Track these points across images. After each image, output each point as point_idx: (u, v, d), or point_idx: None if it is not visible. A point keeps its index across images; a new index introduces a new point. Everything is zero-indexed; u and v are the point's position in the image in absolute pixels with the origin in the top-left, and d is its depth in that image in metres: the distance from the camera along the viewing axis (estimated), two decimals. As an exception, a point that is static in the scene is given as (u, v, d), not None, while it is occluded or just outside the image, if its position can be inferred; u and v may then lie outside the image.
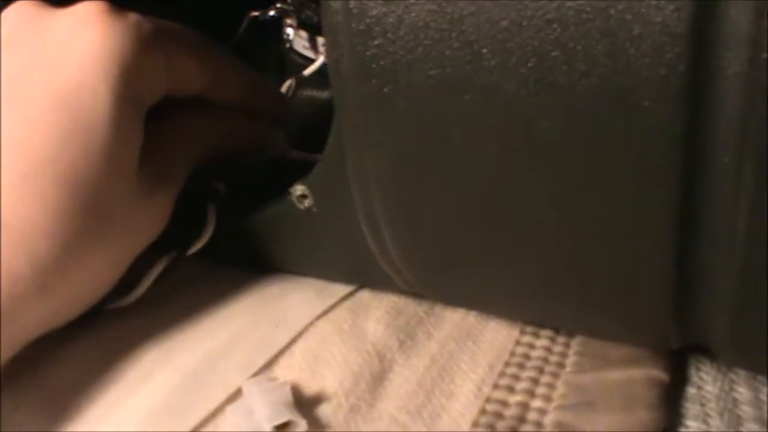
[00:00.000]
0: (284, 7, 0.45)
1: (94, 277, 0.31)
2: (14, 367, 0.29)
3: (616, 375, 0.33)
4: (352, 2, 0.24)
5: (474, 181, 0.26)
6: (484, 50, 0.23)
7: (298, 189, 0.33)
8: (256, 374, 0.32)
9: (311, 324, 0.35)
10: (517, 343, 0.35)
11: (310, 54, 0.47)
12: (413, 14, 0.24)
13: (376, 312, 0.36)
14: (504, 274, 0.30)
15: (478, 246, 0.29)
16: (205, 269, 0.37)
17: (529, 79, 0.23)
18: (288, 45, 0.46)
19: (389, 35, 0.24)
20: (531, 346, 0.35)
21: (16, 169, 0.28)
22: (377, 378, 0.32)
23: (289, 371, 0.33)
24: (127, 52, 0.30)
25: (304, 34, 0.46)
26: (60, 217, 0.28)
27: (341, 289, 0.38)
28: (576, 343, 0.35)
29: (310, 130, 0.45)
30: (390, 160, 0.26)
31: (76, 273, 0.30)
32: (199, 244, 0.36)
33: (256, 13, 0.46)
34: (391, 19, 0.24)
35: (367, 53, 0.24)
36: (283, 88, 0.45)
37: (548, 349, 0.35)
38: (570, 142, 0.23)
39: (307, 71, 0.44)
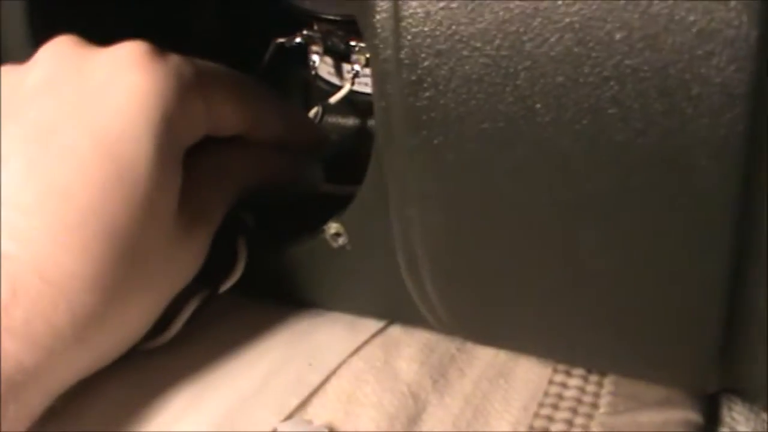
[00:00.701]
0: (311, 33, 0.44)
1: (132, 323, 0.31)
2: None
3: (651, 417, 0.33)
4: (404, 52, 0.24)
5: (522, 231, 0.25)
6: (538, 105, 0.23)
7: (332, 227, 0.33)
8: (290, 416, 0.32)
9: (344, 362, 0.34)
10: (550, 382, 0.35)
11: (335, 80, 0.46)
12: (466, 67, 0.23)
13: (408, 349, 0.35)
14: (543, 319, 0.30)
15: (519, 292, 0.29)
16: (233, 303, 0.36)
17: (584, 136, 0.23)
18: (313, 72, 0.45)
19: (441, 87, 0.24)
20: (564, 385, 0.35)
21: (60, 219, 0.27)
22: (412, 419, 0.32)
23: (323, 411, 0.32)
24: (169, 97, 0.29)
25: (329, 60, 0.45)
26: (101, 269, 0.28)
27: (372, 325, 0.37)
28: (609, 382, 0.35)
29: (336, 157, 0.45)
30: (437, 209, 0.26)
31: (114, 322, 0.29)
32: (231, 281, 0.35)
33: (282, 40, 0.45)
34: (443, 71, 0.23)
35: (418, 104, 0.24)
36: (310, 115, 0.44)
37: (581, 389, 0.35)
38: (623, 197, 0.23)
39: (334, 99, 0.44)
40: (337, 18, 0.42)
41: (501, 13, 0.22)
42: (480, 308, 0.30)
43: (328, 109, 0.45)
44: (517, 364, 0.35)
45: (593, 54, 0.22)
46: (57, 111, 0.29)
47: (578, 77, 0.22)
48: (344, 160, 0.45)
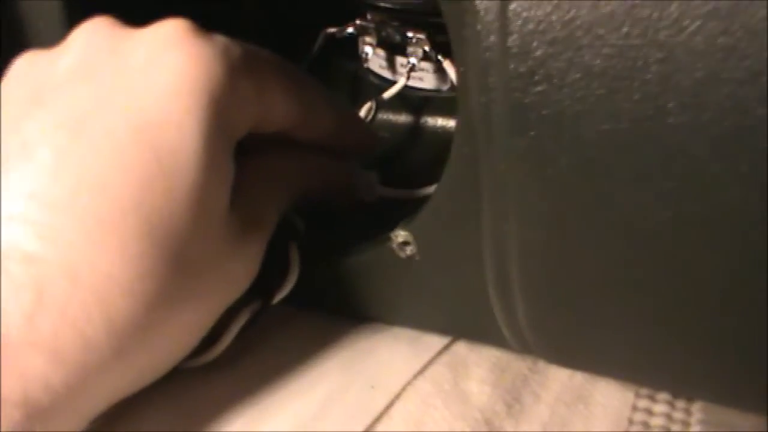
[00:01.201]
0: (364, 24, 0.41)
1: (176, 337, 0.27)
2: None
3: (748, 449, 0.29)
4: (512, 39, 0.20)
5: (636, 249, 0.22)
6: (671, 105, 0.20)
7: (401, 236, 0.30)
8: (355, 446, 0.28)
9: (409, 383, 0.31)
10: (634, 408, 0.32)
11: (387, 75, 0.43)
12: (586, 58, 0.20)
13: (478, 370, 0.32)
14: (640, 341, 0.27)
15: (620, 313, 0.26)
16: (285, 316, 0.34)
17: (724, 141, 0.20)
18: (365, 65, 0.42)
19: (555, 81, 0.20)
20: (649, 412, 0.32)
21: (93, 214, 0.24)
22: (488, 451, 0.28)
23: (390, 441, 0.28)
24: (216, 79, 0.26)
25: (381, 52, 0.42)
26: (141, 271, 0.25)
27: (436, 342, 0.34)
28: (697, 409, 0.32)
29: (387, 157, 0.42)
30: (540, 223, 0.22)
31: (158, 335, 0.26)
32: (284, 291, 0.32)
33: (332, 30, 0.42)
34: (559, 63, 0.20)
35: (527, 100, 0.21)
36: (362, 112, 0.41)
37: (668, 416, 0.32)
38: (762, 213, 0.20)
39: (388, 94, 0.41)
40: (396, 6, 0.38)
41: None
42: (573, 331, 0.27)
43: (380, 106, 0.42)
44: (595, 386, 0.32)
45: (741, 45, 0.19)
46: (91, 96, 0.26)
47: (721, 72, 0.19)
48: (396, 160, 0.42)
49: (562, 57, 0.20)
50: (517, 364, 0.33)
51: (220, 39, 0.28)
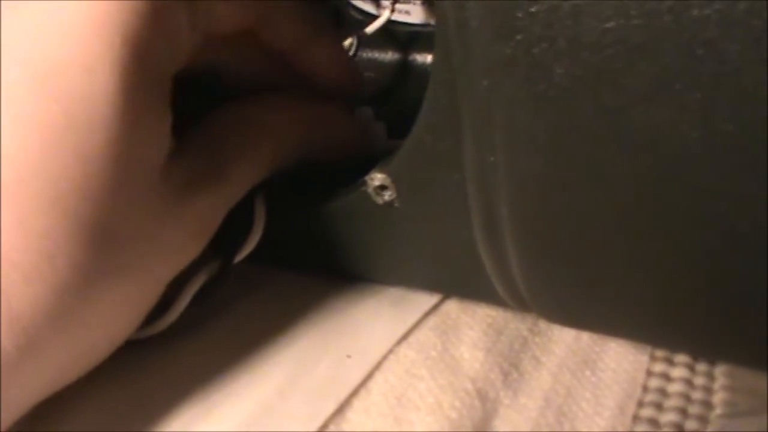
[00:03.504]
0: (344, -45, 0.37)
1: (111, 318, 0.24)
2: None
3: (782, 420, 0.25)
4: None
5: (654, 178, 0.18)
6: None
7: (377, 178, 0.26)
8: (325, 425, 0.25)
9: (390, 351, 0.28)
10: (649, 373, 0.28)
11: (371, 9, 0.40)
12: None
13: (471, 333, 0.28)
14: (649, 295, 0.24)
15: (630, 262, 0.22)
16: (252, 275, 0.30)
17: (763, 38, 0.15)
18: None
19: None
20: (666, 377, 0.28)
21: None
22: (480, 427, 0.25)
23: (366, 418, 0.25)
24: (131, 9, 0.22)
25: (363, -16, 0.37)
26: (49, 251, 0.21)
27: (423, 301, 0.30)
28: (721, 373, 0.28)
29: (373, 99, 0.38)
30: (532, 151, 0.18)
31: (82, 320, 0.22)
32: (247, 249, 0.28)
33: (310, -37, 0.37)
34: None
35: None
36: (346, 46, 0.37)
37: (689, 382, 0.28)
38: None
39: (370, 28, 0.37)
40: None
41: None
42: (573, 282, 0.24)
43: (363, 42, 0.38)
44: (605, 349, 0.29)
45: None
46: None
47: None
48: (383, 103, 0.38)
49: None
50: (515, 325, 0.30)
51: None
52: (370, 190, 0.27)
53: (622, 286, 0.24)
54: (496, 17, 0.17)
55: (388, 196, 0.27)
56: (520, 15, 0.17)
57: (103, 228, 0.22)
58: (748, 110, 0.16)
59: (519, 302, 0.27)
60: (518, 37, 0.17)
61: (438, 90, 0.22)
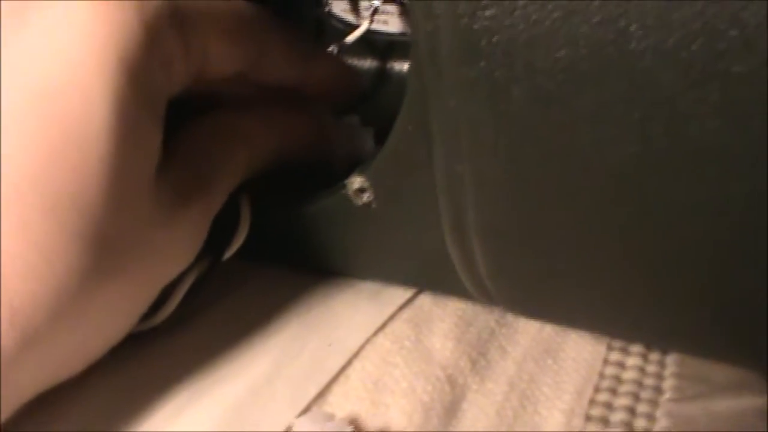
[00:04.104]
0: (324, -36, 0.38)
1: (107, 319, 0.25)
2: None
3: (726, 404, 0.28)
4: None
5: (599, 188, 0.20)
6: (633, 27, 0.18)
7: (356, 182, 0.28)
8: (307, 408, 0.27)
9: (368, 341, 0.30)
10: (606, 362, 0.30)
11: (350, 19, 0.40)
12: (540, -23, 0.17)
13: (442, 324, 0.30)
14: (606, 289, 0.26)
15: (584, 259, 0.24)
16: (238, 271, 0.32)
17: (692, 68, 0.17)
18: (327, 9, 0.40)
19: (506, 3, 0.18)
20: (621, 365, 0.30)
21: None
22: (449, 409, 0.27)
23: (345, 401, 0.28)
24: (129, 36, 0.23)
25: (344, -5, 0.39)
26: (50, 254, 0.22)
27: (398, 295, 0.32)
28: (672, 362, 0.30)
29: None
30: (495, 162, 0.20)
31: (79, 320, 0.24)
32: (234, 247, 0.30)
33: (292, -27, 0.39)
34: (510, -16, 0.18)
35: (475, 26, 0.19)
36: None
37: (642, 370, 0.30)
38: (737, 147, 0.18)
39: (350, 38, 0.38)
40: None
41: None
42: (535, 278, 0.26)
43: (344, 51, 0.39)
44: (566, 340, 0.31)
45: (711, -43, 0.16)
46: None
47: (688, -11, 0.17)
48: (362, 108, 0.39)
49: (514, -23, 0.18)
50: (484, 317, 0.32)
51: None
52: (349, 192, 0.29)
53: (578, 282, 0.26)
54: (462, 45, 0.19)
55: (366, 198, 0.29)
56: (483, 43, 0.19)
57: (98, 235, 0.23)
58: (681, 129, 0.19)
59: (486, 297, 0.29)
60: (481, 63, 0.19)
61: (412, 102, 0.24)
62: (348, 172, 0.29)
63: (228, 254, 0.30)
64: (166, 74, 0.25)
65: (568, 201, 0.21)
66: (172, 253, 0.27)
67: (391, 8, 0.39)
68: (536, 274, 0.25)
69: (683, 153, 0.19)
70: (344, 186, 0.29)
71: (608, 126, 0.19)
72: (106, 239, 0.24)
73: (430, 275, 0.31)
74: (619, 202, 0.20)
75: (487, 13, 0.19)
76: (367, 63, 0.41)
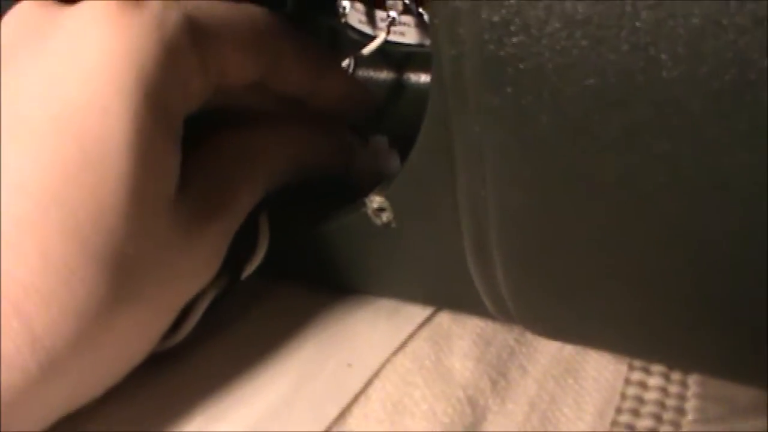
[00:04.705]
0: (340, -25, 0.38)
1: (130, 339, 0.25)
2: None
3: (748, 426, 0.28)
4: None
5: (626, 214, 0.20)
6: (664, 56, 0.17)
7: (375, 201, 0.27)
8: (328, 430, 0.27)
9: (388, 360, 0.30)
10: (627, 381, 0.30)
11: (366, 29, 0.40)
12: (568, 4, 0.17)
13: (461, 343, 0.30)
14: (631, 311, 0.25)
15: (608, 283, 0.24)
16: (256, 289, 0.32)
17: (723, 97, 0.17)
18: (343, 20, 0.40)
19: (533, 31, 0.18)
20: (643, 385, 0.30)
21: (10, 214, 0.22)
22: (471, 431, 0.26)
23: (365, 423, 0.27)
24: (147, 55, 0.23)
25: (360, 6, 0.39)
26: (67, 277, 0.22)
27: (417, 313, 0.32)
28: (694, 382, 0.30)
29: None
30: (520, 188, 0.20)
31: (99, 343, 0.23)
32: (252, 266, 0.30)
33: (308, -17, 0.39)
34: (537, 11, 0.18)
35: (502, 53, 0.18)
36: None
37: (664, 390, 0.30)
38: (763, 177, 0.17)
39: (367, 49, 0.38)
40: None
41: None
42: (557, 300, 0.25)
43: (360, 62, 0.39)
44: (586, 359, 0.31)
45: (744, -14, 0.16)
46: (8, 85, 0.23)
47: (721, 18, 0.17)
48: (379, 120, 0.40)
49: (541, 4, 0.18)
50: (503, 335, 0.31)
51: (154, 7, 0.24)
52: (369, 211, 0.28)
53: (600, 304, 0.25)
54: (488, 72, 0.19)
55: (385, 217, 0.28)
56: (509, 71, 0.19)
57: (118, 257, 0.23)
58: (710, 159, 0.18)
59: (506, 316, 0.28)
60: (507, 90, 0.19)
61: (433, 123, 0.24)
62: (368, 190, 0.29)
63: (247, 273, 0.30)
64: (184, 92, 0.25)
65: (594, 227, 0.21)
66: (191, 273, 0.27)
67: (408, 19, 0.39)
68: (558, 295, 0.25)
69: (711, 182, 0.19)
70: (363, 205, 0.29)
71: (636, 155, 0.19)
72: (125, 261, 0.24)
73: (449, 294, 0.30)
74: (646, 230, 0.20)
75: (514, 40, 0.18)
76: (384, 74, 0.41)
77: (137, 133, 0.23)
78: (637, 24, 0.17)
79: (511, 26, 0.18)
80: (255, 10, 0.27)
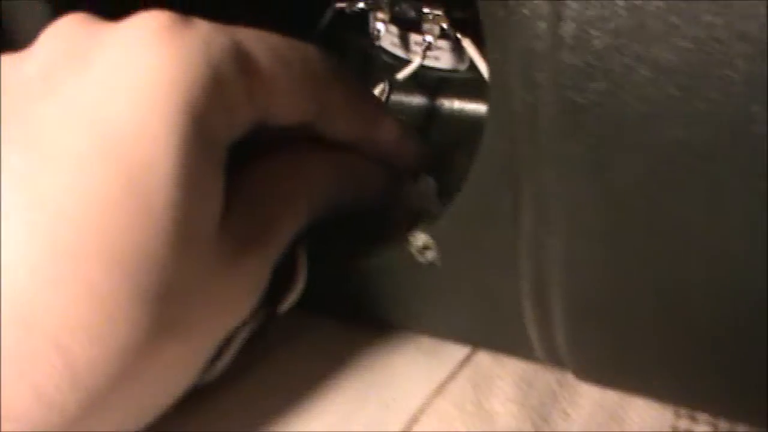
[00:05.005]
0: (376, -3, 0.37)
1: (171, 374, 0.24)
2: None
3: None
4: (566, 26, 0.17)
5: (705, 274, 0.19)
6: (757, 109, 0.16)
7: (420, 239, 0.26)
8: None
9: (427, 402, 0.28)
10: (674, 429, 0.29)
11: (400, 53, 0.40)
12: (658, 52, 0.17)
13: (502, 384, 0.29)
14: (680, 367, 0.25)
15: (662, 337, 0.23)
16: (293, 323, 0.31)
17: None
18: (376, 42, 0.39)
19: (618, 78, 0.17)
20: (690, 434, 0.28)
21: (48, 245, 0.21)
22: (514, 480, 0.25)
23: (407, 467, 0.25)
24: (195, 81, 0.22)
25: (394, 29, 0.38)
26: (112, 312, 0.21)
27: (456, 352, 0.31)
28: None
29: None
30: (594, 240, 0.19)
31: (140, 381, 0.23)
32: (291, 300, 0.29)
33: (342, 5, 0.38)
34: (623, 57, 0.17)
35: (583, 100, 0.17)
36: (376, 92, 0.38)
37: (711, 438, 0.27)
38: None
39: (403, 74, 0.38)
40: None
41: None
42: (615, 351, 0.25)
43: (395, 87, 0.39)
44: (631, 405, 0.30)
45: None
46: (52, 108, 0.22)
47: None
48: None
49: (628, 50, 0.17)
50: (544, 377, 0.30)
51: (202, 30, 0.23)
52: (413, 249, 0.27)
53: (656, 353, 0.25)
54: (566, 119, 0.18)
55: (430, 255, 0.27)
56: (589, 118, 0.18)
57: (162, 288, 0.22)
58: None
59: (555, 360, 0.27)
60: (586, 138, 0.18)
61: (492, 160, 0.23)
62: (407, 227, 0.28)
63: (284, 308, 0.29)
64: (229, 120, 0.24)
65: (667, 284, 0.20)
66: (233, 304, 0.26)
67: (443, 44, 0.38)
68: (616, 344, 0.25)
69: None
70: (407, 241, 0.28)
71: (724, 212, 0.17)
72: (169, 293, 0.23)
73: (492, 333, 0.29)
74: (720, 289, 0.19)
75: (596, 86, 0.17)
76: (416, 99, 0.40)
77: (184, 160, 0.22)
78: (731, 75, 0.16)
79: (594, 72, 0.17)
80: (309, 51, 0.26)
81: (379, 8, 0.38)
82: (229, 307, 0.25)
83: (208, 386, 0.27)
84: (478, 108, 0.37)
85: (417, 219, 0.29)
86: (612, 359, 0.25)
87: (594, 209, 0.19)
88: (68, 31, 0.24)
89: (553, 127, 0.18)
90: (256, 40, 0.25)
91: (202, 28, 0.23)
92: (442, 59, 0.39)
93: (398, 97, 0.40)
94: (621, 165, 0.18)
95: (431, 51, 0.38)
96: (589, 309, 0.22)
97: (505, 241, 0.24)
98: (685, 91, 0.17)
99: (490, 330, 0.29)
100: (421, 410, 0.28)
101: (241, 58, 0.24)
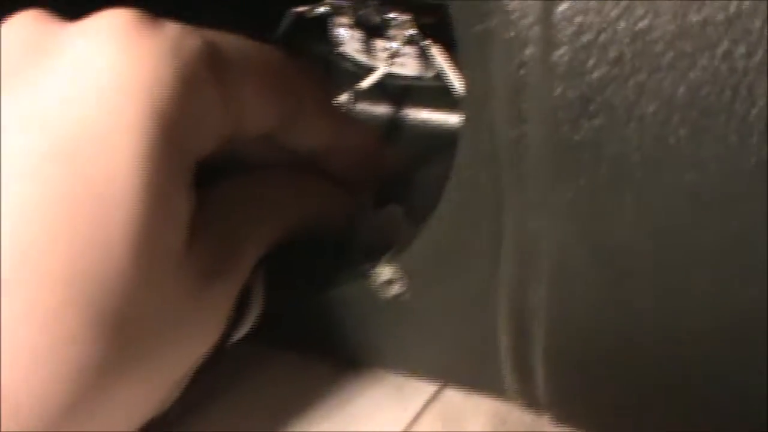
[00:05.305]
0: (338, 2, 0.35)
1: (124, 412, 0.22)
2: None
3: None
4: (559, 52, 0.14)
5: (716, 328, 0.17)
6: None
7: (385, 272, 0.24)
8: None
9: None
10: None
11: (363, 60, 0.38)
12: (666, 83, 0.14)
13: (474, 422, 0.28)
14: (664, 417, 0.23)
15: (645, 388, 0.22)
16: (249, 356, 0.29)
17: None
18: (338, 49, 0.37)
19: (620, 113, 0.15)
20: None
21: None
22: None
23: None
24: (164, 85, 0.20)
25: (358, 35, 0.37)
26: (62, 341, 0.19)
27: (424, 388, 0.29)
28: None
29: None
30: (585, 290, 0.17)
31: (95, 415, 0.21)
32: (242, 331, 0.27)
33: (300, 10, 0.36)
34: (625, 89, 0.15)
35: (578, 138, 0.15)
36: (338, 101, 0.35)
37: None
38: None
39: (367, 82, 0.36)
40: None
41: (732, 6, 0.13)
42: (597, 395, 0.23)
43: (358, 96, 0.37)
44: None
45: None
46: (8, 110, 0.20)
47: None
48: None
49: (631, 81, 0.15)
50: (517, 413, 0.28)
51: (172, 31, 0.21)
52: (376, 283, 0.25)
53: (641, 406, 0.23)
54: (558, 158, 0.16)
55: (396, 289, 0.25)
56: (586, 158, 0.16)
57: (118, 318, 0.20)
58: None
59: (533, 403, 0.26)
60: (581, 181, 0.16)
61: (462, 194, 0.21)
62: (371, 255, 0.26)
63: (235, 338, 0.27)
64: (200, 129, 0.22)
65: (670, 334, 0.18)
66: (197, 335, 0.24)
67: (409, 50, 0.36)
68: (600, 393, 0.23)
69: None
70: (369, 275, 0.26)
71: (736, 270, 0.15)
72: (127, 322, 0.21)
73: (463, 370, 0.28)
74: (734, 345, 0.17)
75: (595, 122, 0.15)
76: (380, 108, 0.38)
77: (149, 172, 0.20)
78: (751, 112, 0.14)
79: (592, 106, 0.15)
80: (278, 54, 0.25)
81: (342, 13, 0.37)
82: (193, 339, 0.24)
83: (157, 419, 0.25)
84: (447, 118, 0.35)
85: (382, 249, 0.26)
86: (594, 405, 0.23)
87: (588, 262, 0.17)
88: (25, 27, 0.22)
89: (542, 169, 0.16)
90: (227, 43, 0.23)
91: (171, 29, 0.22)
92: (408, 66, 0.38)
93: (361, 106, 0.38)
94: (620, 214, 0.16)
95: (396, 58, 0.36)
96: (574, 357, 0.20)
97: (481, 276, 0.22)
98: (695, 129, 0.15)
99: (460, 367, 0.28)
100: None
101: (213, 62, 0.22)
